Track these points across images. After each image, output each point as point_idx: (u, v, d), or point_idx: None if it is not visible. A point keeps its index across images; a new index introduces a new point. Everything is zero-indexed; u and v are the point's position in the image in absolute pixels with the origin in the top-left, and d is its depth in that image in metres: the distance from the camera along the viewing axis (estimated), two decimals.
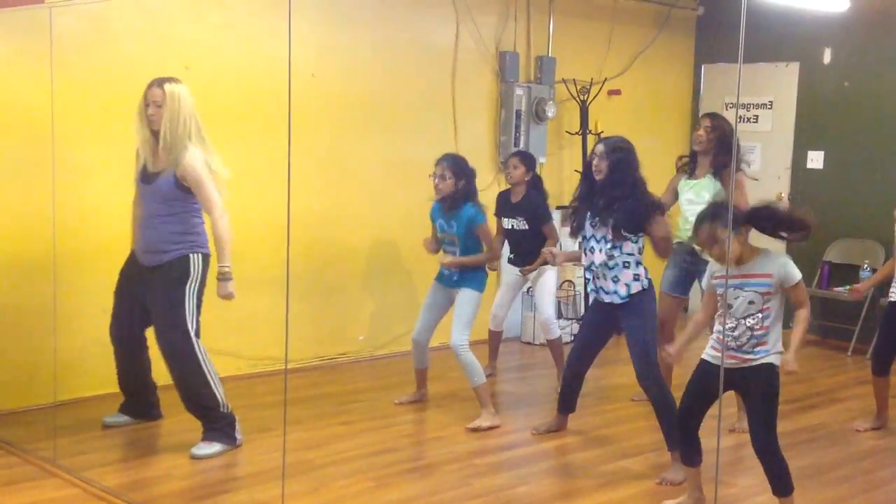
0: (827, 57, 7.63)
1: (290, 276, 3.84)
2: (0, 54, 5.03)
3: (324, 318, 6.35)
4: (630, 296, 4.56)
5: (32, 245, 5.08)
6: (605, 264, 4.57)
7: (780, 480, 3.83)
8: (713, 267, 3.92)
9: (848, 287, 5.82)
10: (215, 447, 4.59)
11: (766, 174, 7.78)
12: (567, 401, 5.07)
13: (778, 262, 3.77)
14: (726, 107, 8.13)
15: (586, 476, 4.60)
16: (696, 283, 5.23)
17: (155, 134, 4.47)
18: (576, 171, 7.61)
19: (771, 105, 7.96)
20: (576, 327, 7.44)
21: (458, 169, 5.25)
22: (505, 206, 5.92)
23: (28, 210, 5.05)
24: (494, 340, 6.27)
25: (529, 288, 6.49)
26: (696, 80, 8.50)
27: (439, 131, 6.80)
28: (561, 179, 7.77)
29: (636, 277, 4.56)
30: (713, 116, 5.34)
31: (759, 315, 3.74)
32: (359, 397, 5.70)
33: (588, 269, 4.68)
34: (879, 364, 5.23)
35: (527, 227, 5.79)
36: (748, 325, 3.75)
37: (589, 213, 4.64)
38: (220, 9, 5.69)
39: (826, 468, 4.73)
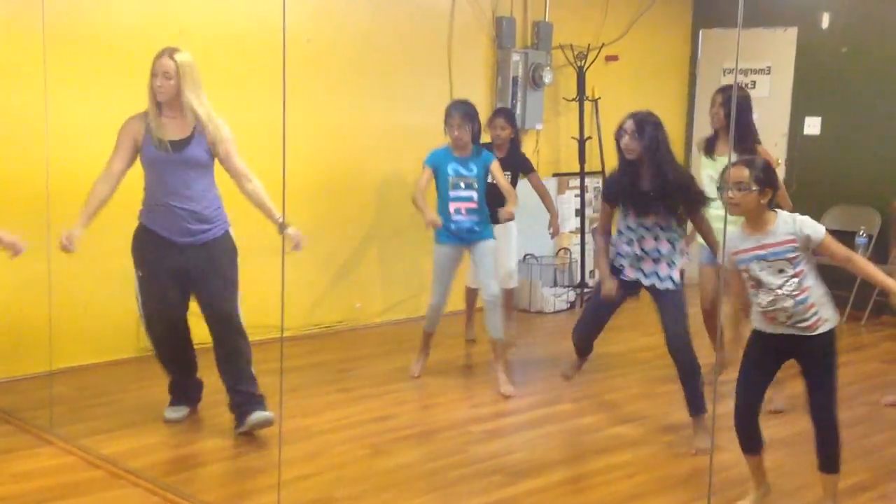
0: (825, 22, 7.57)
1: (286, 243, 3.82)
2: None
3: (320, 285, 6.34)
4: (675, 281, 4.52)
5: (26, 212, 5.04)
6: (657, 250, 4.49)
7: (832, 456, 3.69)
8: (729, 244, 3.66)
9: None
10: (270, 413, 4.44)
11: (764, 140, 7.53)
12: (587, 353, 4.91)
13: (794, 225, 3.59)
14: (724, 73, 8.09)
15: (583, 443, 4.62)
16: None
17: (159, 105, 4.34)
18: (573, 137, 7.58)
19: (769, 70, 7.92)
20: (572, 295, 7.46)
21: (472, 113, 5.32)
22: None
23: (22, 177, 5.02)
24: (474, 297, 6.23)
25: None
26: (693, 45, 8.44)
27: (435, 97, 6.73)
28: (558, 146, 7.73)
29: (680, 258, 4.57)
30: (724, 91, 5.25)
31: (795, 280, 3.58)
32: (356, 364, 5.70)
33: (631, 256, 4.53)
34: None
35: (511, 181, 5.84)
36: (787, 292, 3.57)
37: (638, 197, 4.45)
38: None
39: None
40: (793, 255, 3.58)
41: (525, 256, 7.34)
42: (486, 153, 5.38)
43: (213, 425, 4.59)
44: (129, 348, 5.47)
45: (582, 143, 7.52)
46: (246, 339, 4.54)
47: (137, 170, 4.46)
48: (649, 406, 5.18)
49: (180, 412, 4.67)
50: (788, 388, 4.74)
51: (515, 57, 7.14)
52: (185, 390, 4.73)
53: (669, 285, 4.50)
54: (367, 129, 6.46)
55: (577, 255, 7.64)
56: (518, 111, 7.17)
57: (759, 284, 3.62)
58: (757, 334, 3.72)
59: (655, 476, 4.19)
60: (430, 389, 5.34)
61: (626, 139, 4.43)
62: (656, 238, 4.50)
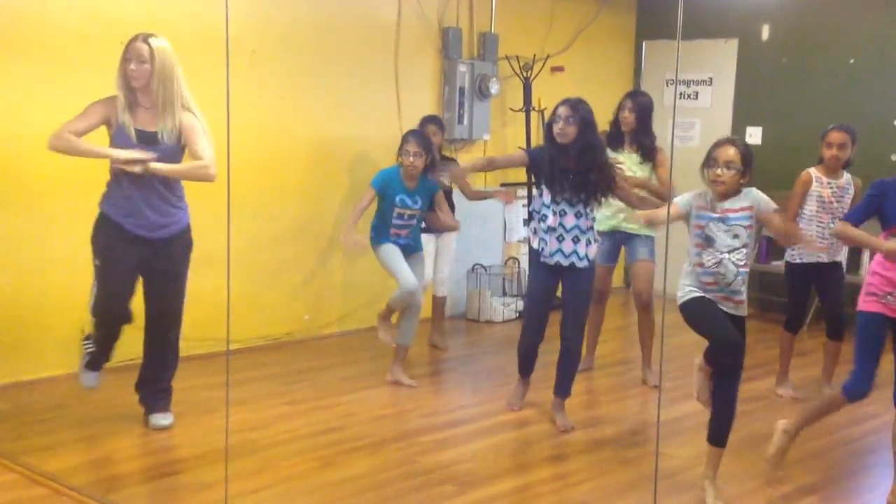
0: (765, 33, 7.72)
1: (232, 255, 3.79)
2: None
3: (268, 297, 6.29)
4: (591, 259, 4.78)
5: None
6: (578, 227, 4.72)
7: (724, 431, 3.95)
8: (692, 199, 3.89)
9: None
10: (171, 417, 4.69)
11: (706, 149, 7.84)
12: (530, 368, 5.11)
13: (752, 194, 3.88)
14: (667, 83, 8.21)
15: (532, 451, 4.64)
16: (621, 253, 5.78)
17: (134, 91, 4.29)
18: (520, 147, 7.61)
19: (710, 81, 8.05)
20: (520, 304, 7.49)
21: (426, 144, 5.41)
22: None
23: None
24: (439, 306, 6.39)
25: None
26: (637, 56, 8.56)
27: (383, 108, 6.76)
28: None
29: (596, 240, 4.82)
30: (633, 96, 5.60)
31: (744, 251, 3.82)
32: (304, 377, 5.67)
33: (549, 230, 4.74)
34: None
35: (449, 187, 6.01)
36: (734, 260, 3.80)
37: (569, 176, 4.68)
38: None
39: (766, 438, 4.80)
40: (748, 223, 3.82)
41: (473, 266, 7.36)
42: (431, 183, 5.47)
43: (158, 440, 4.53)
44: (70, 363, 5.33)
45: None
46: (178, 336, 4.72)
47: (74, 162, 4.43)
48: (597, 413, 5.22)
49: (95, 380, 4.73)
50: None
51: (462, 68, 7.17)
52: (101, 361, 4.72)
53: (586, 263, 4.78)
54: (313, 139, 6.44)
55: (525, 265, 7.67)
56: (465, 122, 7.20)
57: (708, 243, 3.80)
58: (703, 300, 3.88)
59: (603, 483, 4.22)
60: (378, 400, 5.32)
61: (560, 124, 4.65)
62: (577, 215, 4.72)
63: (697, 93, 8.11)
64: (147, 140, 4.30)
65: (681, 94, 8.17)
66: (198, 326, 5.79)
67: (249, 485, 4.03)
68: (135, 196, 4.33)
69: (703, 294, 3.88)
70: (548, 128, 4.76)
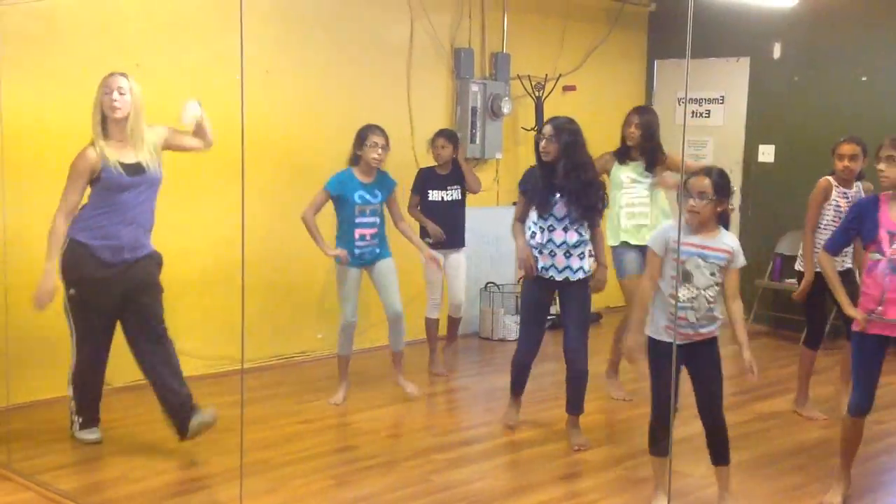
0: (777, 52, 7.74)
1: (247, 274, 3.82)
2: None
3: (282, 316, 6.32)
4: (587, 273, 4.82)
5: None
6: (566, 242, 4.76)
7: (723, 450, 3.96)
8: (672, 233, 3.87)
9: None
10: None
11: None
12: (522, 384, 5.13)
13: (733, 241, 3.90)
14: (679, 102, 8.23)
15: (544, 469, 4.63)
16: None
17: (107, 125, 4.44)
18: (532, 166, 7.63)
19: (722, 100, 8.07)
20: None
21: (386, 136, 5.41)
22: (433, 180, 6.09)
23: None
24: (435, 329, 6.32)
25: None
26: (649, 75, 8.58)
27: (395, 128, 6.76)
28: (517, 175, 7.73)
29: (590, 254, 4.86)
30: (639, 112, 5.63)
31: (716, 288, 3.86)
32: (318, 395, 5.67)
33: (538, 246, 4.79)
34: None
35: (460, 196, 6.09)
36: (707, 296, 3.84)
37: (555, 193, 4.75)
38: (170, 6, 5.64)
39: (780, 457, 4.81)
40: (724, 263, 3.86)
41: (486, 285, 7.37)
42: (388, 179, 5.47)
43: (172, 460, 4.55)
44: None
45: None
46: (172, 347, 4.66)
47: None
48: (610, 432, 5.21)
49: (97, 433, 4.72)
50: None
51: (474, 87, 7.21)
52: (95, 409, 4.75)
53: (581, 276, 4.81)
54: (326, 159, 6.45)
55: None
56: (477, 141, 7.24)
57: (686, 279, 3.84)
58: (662, 345, 3.89)
59: (617, 502, 4.21)
60: (392, 419, 5.33)
61: (543, 142, 4.75)
62: (565, 230, 4.78)
63: (709, 111, 8.13)
64: (134, 171, 4.45)
65: (693, 112, 8.18)
66: (211, 345, 5.84)
67: (264, 503, 4.04)
68: (117, 228, 4.45)
69: (669, 342, 3.83)
70: (535, 146, 4.87)
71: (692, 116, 8.19)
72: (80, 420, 4.72)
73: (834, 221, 5.19)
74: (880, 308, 3.94)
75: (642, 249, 5.46)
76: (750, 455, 4.69)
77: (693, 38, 3.15)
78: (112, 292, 4.50)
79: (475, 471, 4.57)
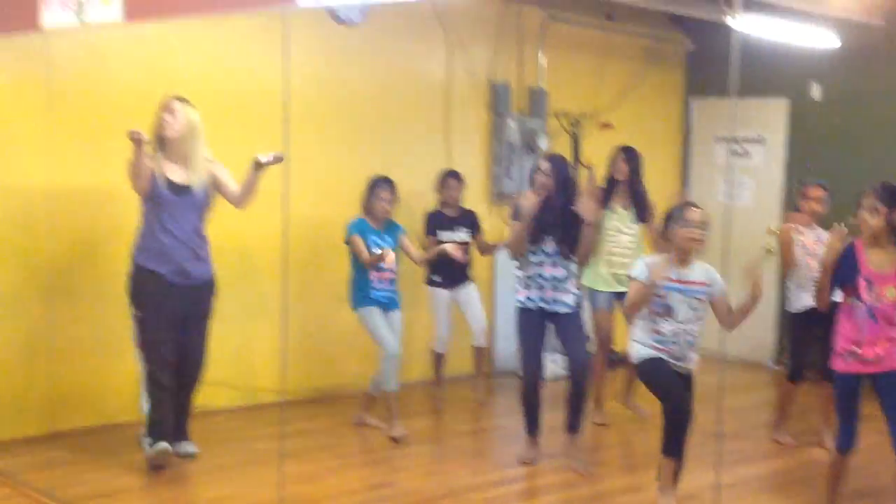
0: (817, 93, 7.72)
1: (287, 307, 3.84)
2: None
3: (320, 349, 6.33)
4: (577, 305, 5.03)
5: (27, 274, 5.08)
6: (556, 277, 4.94)
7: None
8: (656, 266, 4.05)
9: None
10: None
11: (758, 208, 7.85)
12: (535, 418, 5.16)
13: (709, 272, 4.11)
14: (716, 141, 8.22)
15: None
16: None
17: (164, 145, 4.63)
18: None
19: (762, 140, 8.05)
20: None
21: (395, 188, 5.63)
22: (443, 222, 6.20)
23: (22, 238, 5.05)
24: (441, 362, 6.39)
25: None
26: (686, 114, 8.58)
27: (432, 162, 6.82)
28: None
29: (578, 287, 5.11)
30: (625, 150, 5.96)
31: (699, 322, 4.05)
32: (355, 430, 5.66)
33: (528, 279, 4.98)
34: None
35: (469, 239, 6.20)
36: (688, 330, 4.03)
37: (540, 228, 4.91)
38: (213, 37, 5.71)
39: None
40: (703, 296, 4.05)
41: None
42: (396, 225, 5.68)
43: (210, 490, 4.56)
44: (128, 411, 5.43)
45: None
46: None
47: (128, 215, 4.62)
48: (646, 475, 5.16)
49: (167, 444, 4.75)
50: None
51: (511, 123, 7.24)
52: (165, 426, 4.79)
53: (567, 309, 4.98)
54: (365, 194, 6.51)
55: None
56: (513, 176, 7.26)
57: (667, 313, 3.99)
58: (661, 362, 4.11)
59: None
60: (429, 456, 5.33)
61: (540, 177, 4.89)
62: (553, 265, 4.95)
63: (748, 150, 8.11)
64: (180, 191, 4.62)
65: (731, 152, 8.17)
66: (251, 377, 5.86)
67: None
68: (171, 246, 4.60)
69: (658, 355, 4.02)
70: (530, 180, 5.06)
71: (732, 156, 8.18)
72: (150, 436, 4.76)
73: (805, 259, 5.40)
74: (858, 350, 4.05)
75: (617, 294, 5.69)
76: (795, 503, 4.66)
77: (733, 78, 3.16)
78: (175, 309, 4.65)
79: None
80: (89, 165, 5.24)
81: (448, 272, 6.14)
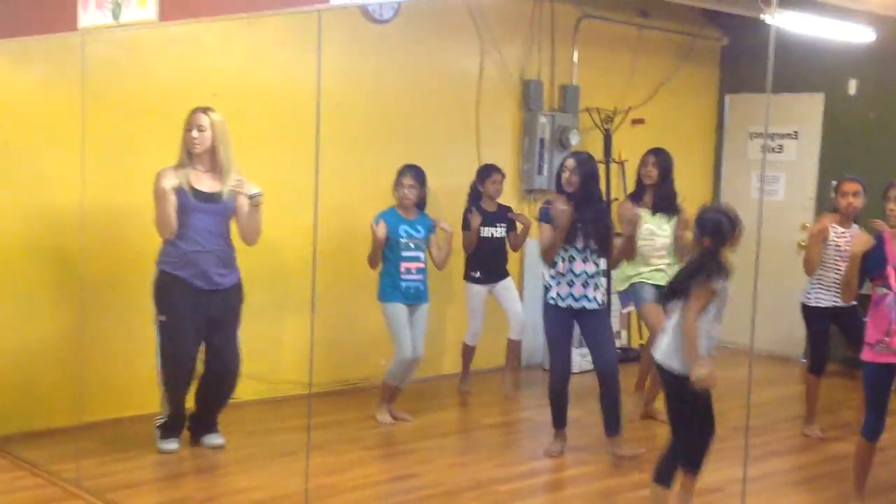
0: (852, 88, 7.62)
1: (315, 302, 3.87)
2: (33, 80, 5.13)
3: (346, 342, 6.36)
4: (601, 304, 5.04)
5: (60, 268, 5.15)
6: (586, 273, 4.97)
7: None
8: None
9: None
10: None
11: (792, 204, 7.77)
12: (563, 413, 5.17)
13: None
14: (751, 136, 8.14)
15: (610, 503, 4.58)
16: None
17: (192, 156, 4.72)
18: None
19: (796, 135, 7.95)
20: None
21: (423, 177, 5.63)
22: (485, 217, 6.18)
23: (56, 234, 5.12)
24: (471, 355, 6.43)
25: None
26: (720, 109, 8.50)
27: (463, 159, 6.83)
28: None
29: (604, 284, 5.09)
30: (655, 153, 5.72)
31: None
32: (380, 422, 5.68)
33: (558, 275, 4.97)
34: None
35: (505, 234, 6.23)
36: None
37: (576, 225, 4.92)
38: (248, 38, 5.76)
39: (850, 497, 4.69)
40: None
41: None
42: (428, 217, 5.68)
43: (237, 481, 4.60)
44: (156, 403, 5.49)
45: (608, 204, 7.55)
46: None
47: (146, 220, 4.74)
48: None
49: (175, 444, 4.94)
50: None
51: (542, 119, 7.22)
52: (178, 425, 4.97)
53: (595, 305, 4.99)
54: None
55: None
56: (545, 173, 7.23)
57: (718, 317, 3.92)
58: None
59: None
60: (454, 448, 5.33)
61: (566, 174, 4.94)
62: (584, 260, 4.97)
63: (782, 146, 8.01)
64: (207, 199, 4.71)
65: (765, 147, 8.09)
66: (278, 370, 5.91)
67: None
68: (196, 253, 4.70)
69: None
70: (557, 178, 5.05)
71: (765, 152, 8.10)
72: (162, 427, 4.94)
73: (835, 260, 5.32)
74: (887, 339, 4.07)
75: (658, 287, 5.58)
76: (819, 497, 4.60)
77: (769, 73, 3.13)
78: (198, 313, 4.73)
79: (537, 503, 4.53)
80: (122, 168, 5.29)
81: (487, 268, 6.17)
